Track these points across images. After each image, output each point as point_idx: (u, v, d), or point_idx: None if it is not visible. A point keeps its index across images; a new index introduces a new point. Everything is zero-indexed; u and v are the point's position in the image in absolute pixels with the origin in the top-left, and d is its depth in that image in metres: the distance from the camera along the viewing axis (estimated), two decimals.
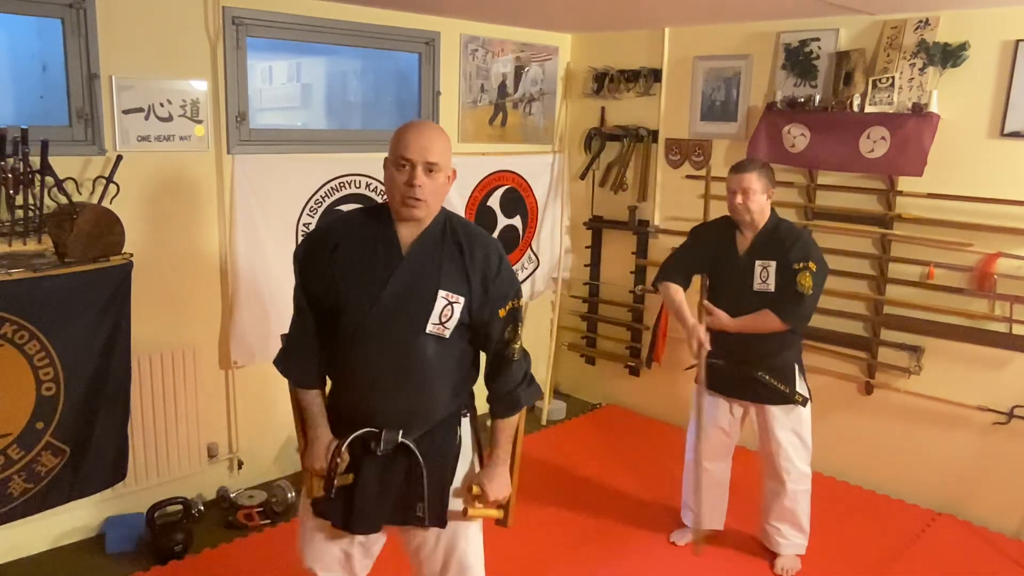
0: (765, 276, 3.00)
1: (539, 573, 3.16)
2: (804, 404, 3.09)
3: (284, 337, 2.15)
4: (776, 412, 3.10)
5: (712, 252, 3.15)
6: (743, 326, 3.03)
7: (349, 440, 2.01)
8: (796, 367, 3.10)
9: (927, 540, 3.47)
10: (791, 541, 3.22)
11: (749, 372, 3.07)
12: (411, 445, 2.03)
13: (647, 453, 4.08)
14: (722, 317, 3.06)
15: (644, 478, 3.95)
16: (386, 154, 1.97)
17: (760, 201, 2.99)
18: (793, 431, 3.11)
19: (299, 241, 2.11)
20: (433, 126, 2.01)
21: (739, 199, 2.99)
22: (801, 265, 2.91)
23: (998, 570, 3.28)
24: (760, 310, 2.98)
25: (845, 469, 4.00)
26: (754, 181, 2.97)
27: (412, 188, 1.90)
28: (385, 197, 2.02)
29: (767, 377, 3.06)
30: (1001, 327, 3.46)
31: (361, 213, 2.09)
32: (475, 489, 2.07)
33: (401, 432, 2.02)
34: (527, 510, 3.61)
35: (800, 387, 3.09)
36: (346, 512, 2.06)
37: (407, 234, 1.98)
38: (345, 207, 3.92)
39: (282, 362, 2.13)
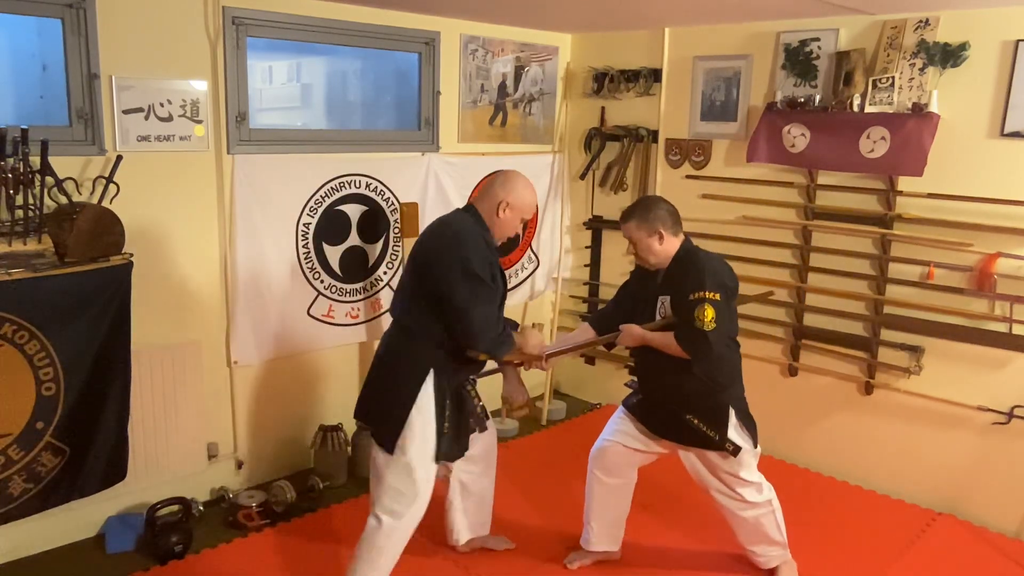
0: (664, 312, 2.84)
1: (537, 573, 3.16)
2: (735, 454, 2.82)
3: (487, 326, 2.65)
4: (711, 456, 2.89)
5: (638, 292, 3.02)
6: (660, 342, 2.79)
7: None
8: (732, 412, 2.83)
9: (927, 540, 3.47)
10: (771, 555, 3.12)
11: (676, 413, 2.86)
12: None
13: None
14: (632, 330, 2.85)
15: (642, 478, 3.95)
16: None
17: (651, 246, 2.81)
18: (731, 474, 2.90)
19: (470, 247, 2.69)
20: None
21: (630, 249, 2.91)
22: (697, 296, 2.66)
23: (998, 570, 3.28)
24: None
25: (845, 469, 4.01)
26: (633, 231, 2.82)
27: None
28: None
29: (695, 421, 2.82)
30: (1001, 327, 3.46)
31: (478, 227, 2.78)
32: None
33: None
34: (526, 510, 3.61)
35: (734, 434, 2.82)
36: None
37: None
38: (345, 207, 3.93)
39: (501, 339, 2.69)
